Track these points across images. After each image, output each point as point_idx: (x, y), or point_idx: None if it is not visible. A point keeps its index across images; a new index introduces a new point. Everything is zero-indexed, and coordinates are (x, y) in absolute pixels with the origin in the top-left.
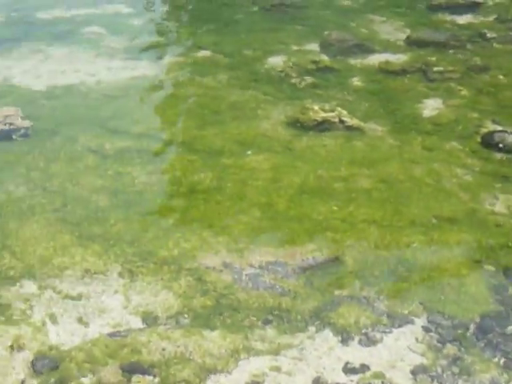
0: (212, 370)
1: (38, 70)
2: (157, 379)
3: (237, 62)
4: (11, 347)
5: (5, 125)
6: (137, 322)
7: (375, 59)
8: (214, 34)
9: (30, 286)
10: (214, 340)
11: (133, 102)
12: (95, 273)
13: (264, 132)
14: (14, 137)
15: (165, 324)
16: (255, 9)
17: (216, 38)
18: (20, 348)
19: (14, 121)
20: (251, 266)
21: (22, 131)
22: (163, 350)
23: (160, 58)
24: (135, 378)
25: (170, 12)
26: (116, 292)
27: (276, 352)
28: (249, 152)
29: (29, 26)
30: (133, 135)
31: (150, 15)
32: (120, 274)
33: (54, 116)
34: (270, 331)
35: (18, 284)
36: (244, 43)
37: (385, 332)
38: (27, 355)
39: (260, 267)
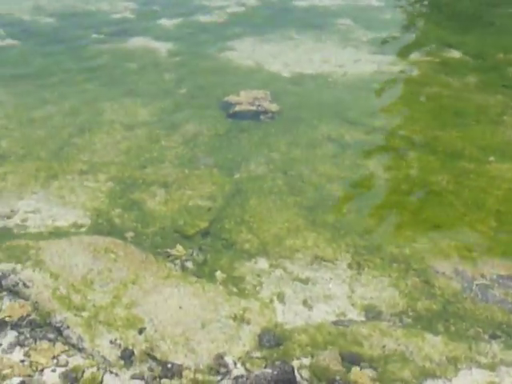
0: (431, 375)
1: (287, 57)
2: (375, 374)
3: (487, 64)
4: (239, 318)
5: (253, 106)
6: (359, 314)
7: None
8: (466, 33)
9: (262, 263)
10: (436, 345)
11: (375, 96)
12: (324, 260)
13: (509, 139)
14: (261, 118)
15: (388, 320)
16: None
17: (467, 38)
18: (247, 320)
19: (263, 103)
20: (482, 276)
21: (269, 114)
22: (383, 346)
23: (406, 53)
24: (354, 370)
25: (420, 8)
26: (343, 281)
27: (499, 368)
28: (491, 158)
29: (283, 12)
30: (372, 128)
31: (400, 9)
32: (348, 265)
33: (298, 102)
34: (496, 346)
35: (252, 259)
36: (497, 46)
37: None
38: (254, 328)
39: (491, 279)
